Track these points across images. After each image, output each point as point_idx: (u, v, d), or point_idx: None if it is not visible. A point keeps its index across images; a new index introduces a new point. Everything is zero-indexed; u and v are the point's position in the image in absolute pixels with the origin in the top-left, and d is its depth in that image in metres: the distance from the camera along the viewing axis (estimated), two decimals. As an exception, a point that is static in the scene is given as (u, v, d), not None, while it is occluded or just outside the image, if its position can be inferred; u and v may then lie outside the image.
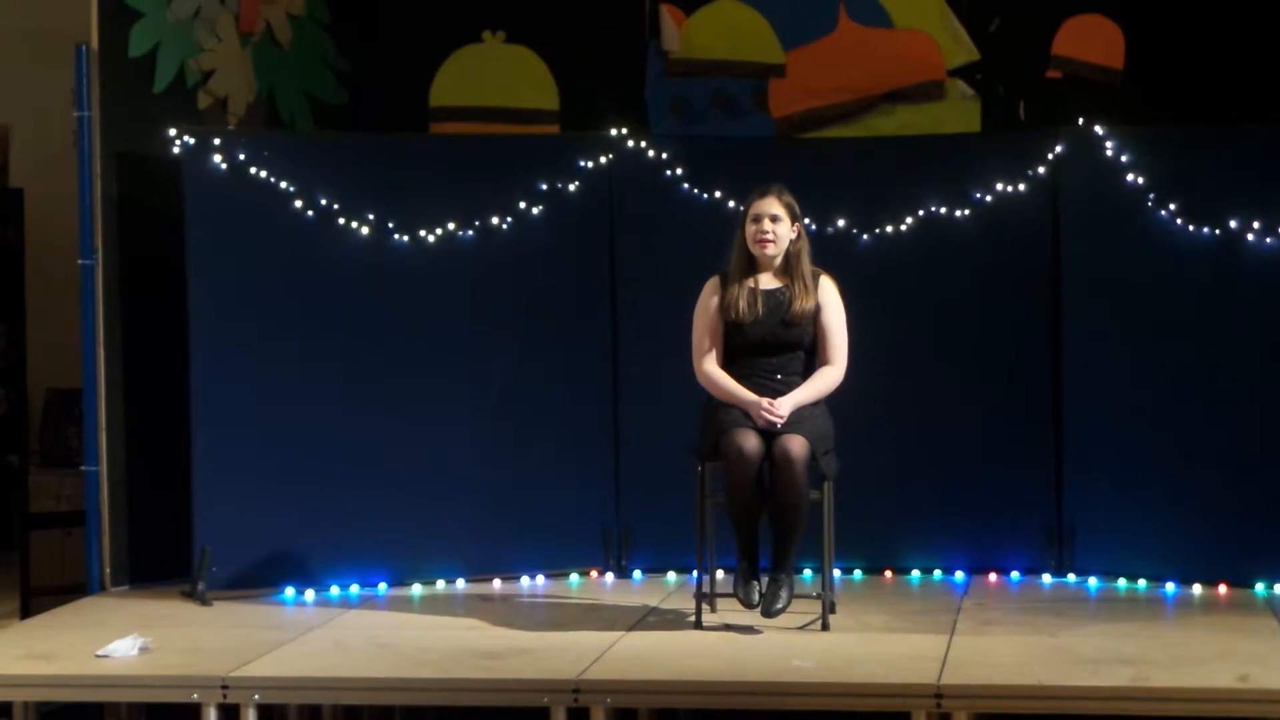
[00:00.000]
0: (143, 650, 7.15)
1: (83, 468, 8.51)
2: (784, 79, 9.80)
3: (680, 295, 7.88)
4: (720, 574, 7.93)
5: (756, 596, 7.53)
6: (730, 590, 7.64)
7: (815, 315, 7.61)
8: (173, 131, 8.35)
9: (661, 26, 9.86)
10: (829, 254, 8.00)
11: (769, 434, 7.43)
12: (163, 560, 8.52)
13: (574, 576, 8.80)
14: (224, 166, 8.35)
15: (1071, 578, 8.61)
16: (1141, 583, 8.42)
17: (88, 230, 8.38)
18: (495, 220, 8.70)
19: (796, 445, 7.36)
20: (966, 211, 8.74)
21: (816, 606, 7.61)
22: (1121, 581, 8.47)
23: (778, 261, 7.66)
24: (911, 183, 8.76)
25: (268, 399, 8.38)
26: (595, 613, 7.98)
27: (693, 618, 7.65)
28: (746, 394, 7.52)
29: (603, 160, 8.84)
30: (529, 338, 8.74)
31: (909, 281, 8.77)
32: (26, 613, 8.87)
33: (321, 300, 8.48)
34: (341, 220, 8.49)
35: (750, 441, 7.38)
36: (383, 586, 8.53)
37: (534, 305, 8.77)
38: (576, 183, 8.81)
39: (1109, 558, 8.54)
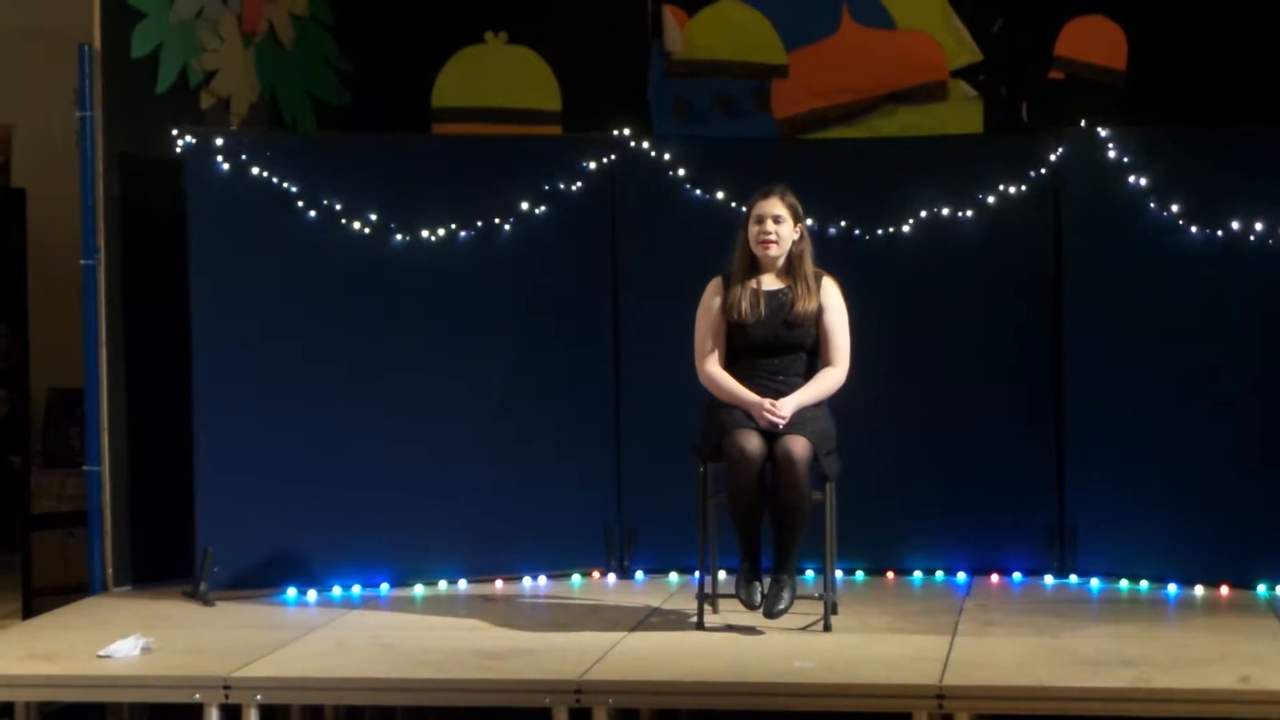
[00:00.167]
0: (145, 650, 7.15)
1: (85, 468, 8.51)
2: (786, 80, 9.81)
3: (682, 296, 7.88)
4: (722, 575, 7.94)
5: (758, 597, 7.54)
6: (732, 591, 7.64)
7: (818, 316, 7.61)
8: (175, 132, 8.35)
9: (664, 27, 9.86)
10: (831, 255, 8.00)
11: (771, 435, 7.43)
12: (165, 560, 8.52)
13: (576, 577, 8.80)
14: (226, 167, 8.35)
15: (1073, 579, 8.61)
16: (1143, 584, 8.43)
17: (90, 230, 8.39)
18: (497, 221, 8.70)
19: (799, 446, 7.37)
20: (969, 212, 8.74)
21: (818, 607, 7.62)
22: (1123, 582, 8.47)
23: (780, 262, 7.66)
24: (913, 183, 8.76)
25: (270, 399, 8.39)
26: (597, 613, 7.98)
27: (695, 618, 7.65)
28: (749, 395, 7.52)
29: (605, 161, 8.85)
30: (531, 338, 8.75)
31: (911, 282, 8.77)
32: (28, 613, 8.86)
33: (323, 300, 8.48)
34: (344, 221, 8.49)
35: (752, 442, 7.38)
36: (385, 587, 8.53)
37: (536, 305, 8.77)
38: (578, 183, 8.81)
39: (1111, 559, 8.54)
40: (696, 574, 7.73)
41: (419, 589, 8.56)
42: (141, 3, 8.56)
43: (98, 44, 8.37)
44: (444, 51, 9.98)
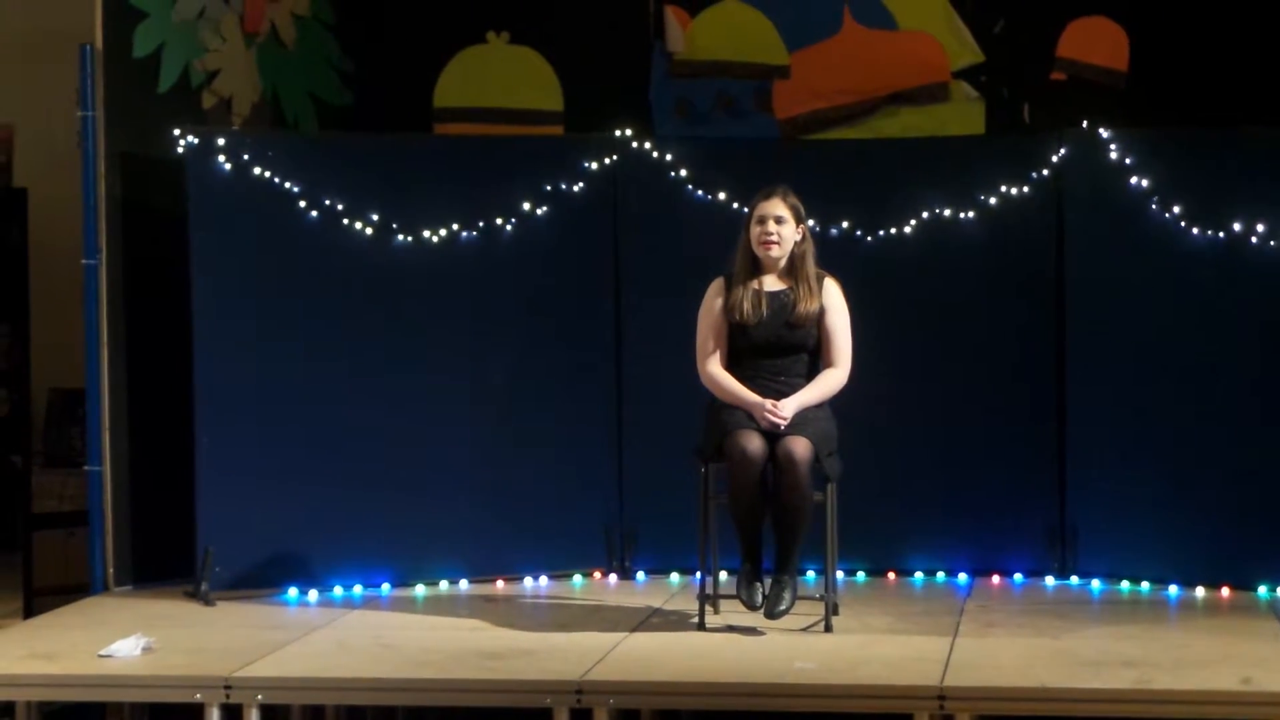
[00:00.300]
0: (146, 650, 7.14)
1: (86, 468, 8.51)
2: (788, 80, 9.81)
3: (684, 296, 7.88)
4: (723, 575, 7.94)
5: (759, 598, 7.53)
6: (733, 592, 7.64)
7: (819, 317, 7.61)
8: (177, 132, 8.35)
9: (666, 28, 9.87)
10: (833, 255, 7.99)
11: (773, 435, 7.43)
12: (166, 560, 8.52)
13: (577, 577, 8.80)
14: (228, 167, 8.35)
15: (1074, 580, 8.60)
16: (1144, 585, 8.42)
17: (91, 230, 8.38)
18: (499, 221, 8.70)
19: (800, 447, 7.36)
20: (970, 213, 8.74)
21: (819, 608, 7.62)
22: (1124, 584, 8.46)
23: (782, 263, 7.66)
24: (915, 184, 8.76)
25: (271, 399, 8.38)
26: (598, 614, 7.98)
27: (696, 619, 7.64)
28: (750, 395, 7.52)
29: (606, 161, 8.84)
30: (532, 338, 8.75)
31: (912, 283, 8.76)
32: (29, 613, 8.86)
33: (325, 300, 8.48)
34: (345, 221, 8.49)
35: (754, 443, 7.38)
36: (386, 587, 8.53)
37: (537, 306, 8.77)
38: (580, 184, 8.81)
39: (1112, 560, 8.54)
40: (698, 574, 7.73)
41: (420, 589, 8.56)
42: (143, 2, 8.56)
43: (99, 44, 8.37)
44: (446, 51, 9.98)
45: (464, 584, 8.64)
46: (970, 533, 8.73)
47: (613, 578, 8.82)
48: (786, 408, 7.46)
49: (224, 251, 8.37)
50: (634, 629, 7.62)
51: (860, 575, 8.77)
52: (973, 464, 8.72)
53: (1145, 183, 8.42)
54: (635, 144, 8.88)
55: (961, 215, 8.74)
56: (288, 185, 8.41)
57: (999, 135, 9.50)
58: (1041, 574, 8.66)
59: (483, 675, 6.88)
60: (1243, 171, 8.28)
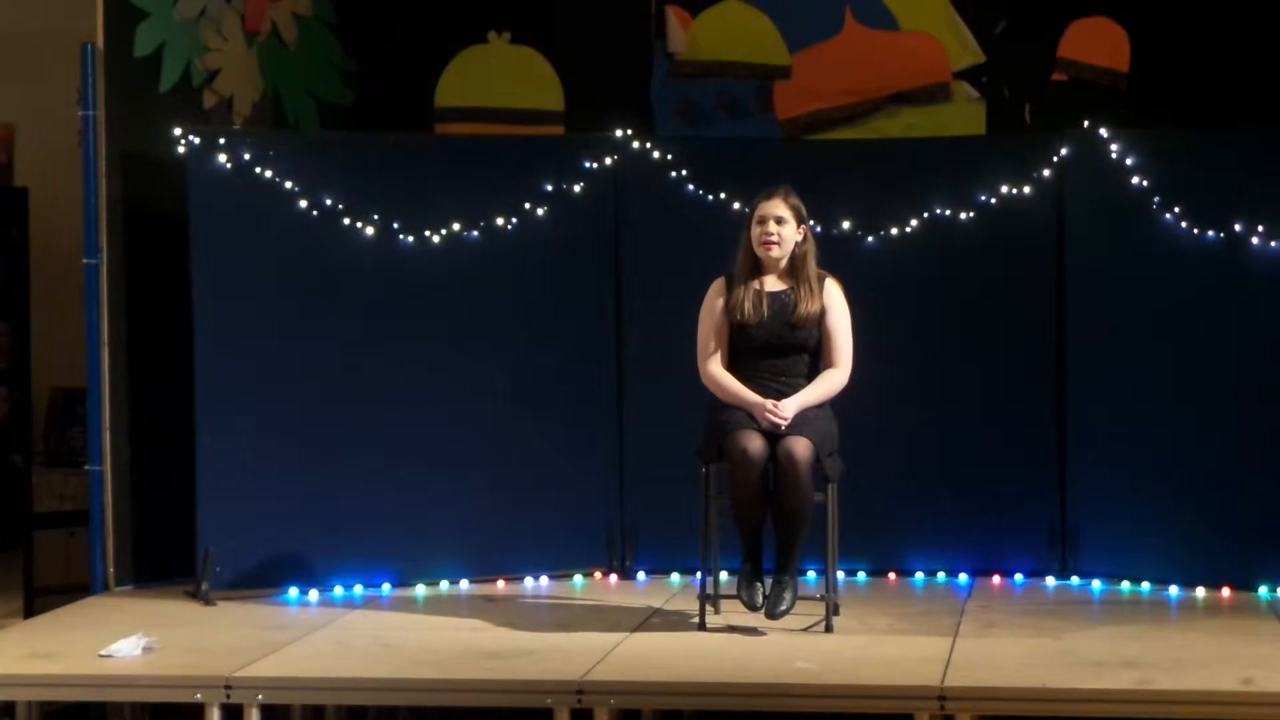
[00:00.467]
0: (146, 650, 7.14)
1: (86, 467, 8.50)
2: (789, 81, 9.81)
3: (685, 297, 7.88)
4: (724, 575, 7.94)
5: (760, 598, 7.53)
6: (734, 592, 7.64)
7: (820, 318, 7.61)
8: (178, 131, 8.35)
9: (667, 28, 9.86)
10: (833, 256, 7.99)
11: (773, 436, 7.43)
12: (166, 560, 8.52)
13: (578, 577, 8.80)
14: (229, 166, 8.35)
15: (1075, 580, 8.61)
16: (1145, 585, 8.42)
17: (92, 230, 8.38)
18: (500, 221, 8.70)
19: (801, 447, 7.36)
20: (971, 214, 8.74)
21: (820, 608, 7.61)
22: (1125, 584, 8.46)
23: (783, 264, 7.66)
24: (916, 185, 8.76)
25: (271, 399, 8.38)
26: (599, 614, 7.98)
27: (696, 619, 7.64)
28: (751, 395, 7.52)
29: (607, 161, 8.85)
30: (533, 338, 8.74)
31: (913, 284, 8.77)
32: (30, 612, 8.86)
33: (326, 300, 8.48)
34: (346, 220, 8.49)
35: (755, 443, 7.38)
36: (386, 587, 8.53)
37: (538, 306, 8.77)
38: (581, 184, 8.81)
39: (1112, 560, 8.54)
40: (698, 575, 7.73)
41: (421, 589, 8.56)
42: (144, 2, 8.56)
43: (100, 43, 8.37)
44: (447, 51, 9.98)
45: (465, 584, 8.64)
46: (971, 533, 8.73)
47: (613, 578, 8.82)
48: (787, 408, 7.46)
49: (225, 251, 8.36)
50: (635, 629, 7.62)
51: (861, 575, 8.77)
52: (974, 464, 8.72)
53: (1146, 183, 8.42)
54: (636, 144, 8.88)
55: (962, 215, 8.74)
56: (288, 185, 8.41)
57: (1000, 136, 9.49)
58: (1042, 574, 8.67)
59: (483, 675, 6.88)
60: (1243, 171, 8.28)
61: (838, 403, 7.67)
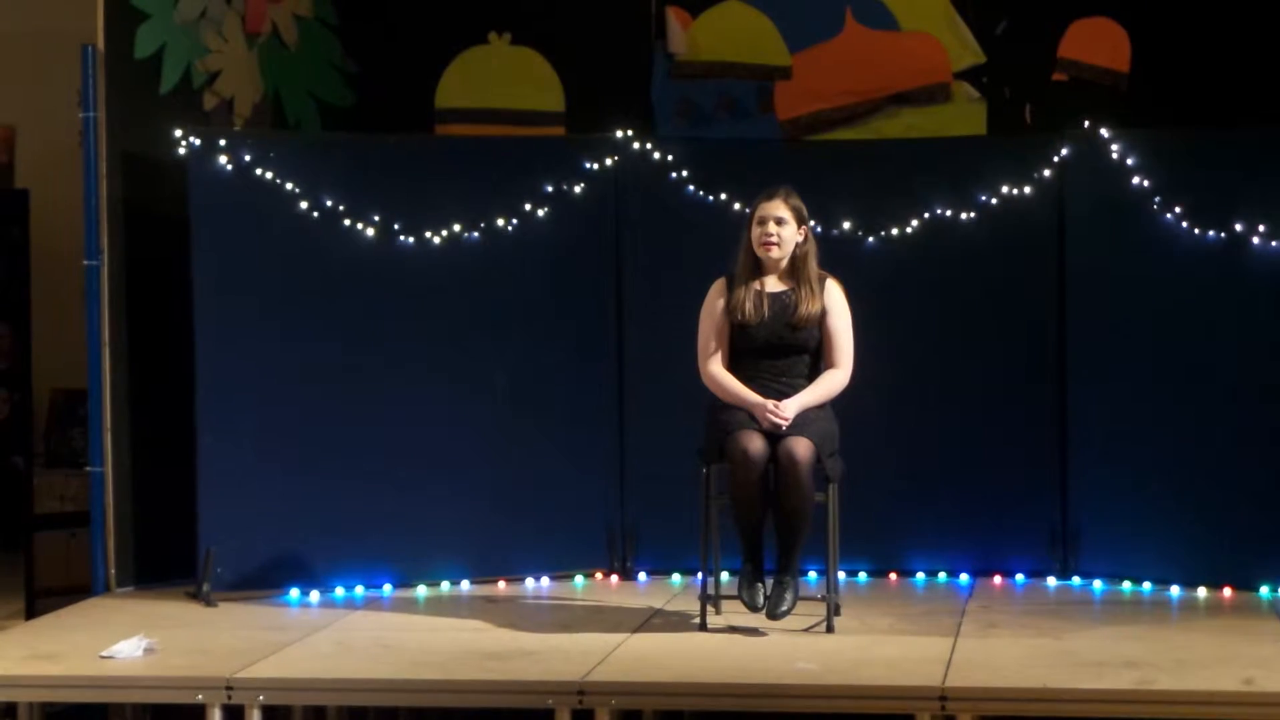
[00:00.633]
0: (147, 651, 7.14)
1: (87, 468, 8.51)
2: (790, 81, 9.81)
3: (685, 297, 7.88)
4: (725, 576, 7.94)
5: (761, 599, 7.53)
6: (735, 592, 7.64)
7: (821, 319, 7.61)
8: (178, 132, 8.35)
9: (667, 29, 9.86)
10: (834, 256, 7.99)
11: (774, 436, 7.43)
12: (167, 561, 8.52)
13: (579, 578, 8.80)
14: (230, 167, 8.35)
15: (1076, 580, 8.61)
16: (1146, 585, 8.42)
17: (93, 231, 8.38)
18: (500, 222, 8.70)
19: (801, 448, 7.36)
20: (972, 214, 8.74)
21: (821, 609, 7.61)
22: (1126, 584, 8.46)
23: (784, 264, 7.66)
24: (917, 185, 8.76)
25: (272, 400, 8.38)
26: (600, 614, 7.98)
27: (697, 620, 7.64)
28: (752, 396, 7.52)
29: (608, 162, 8.85)
30: (533, 339, 8.74)
31: (914, 284, 8.77)
32: (31, 614, 8.86)
33: (327, 301, 8.48)
34: (347, 221, 8.49)
35: (755, 444, 7.38)
36: (387, 588, 8.53)
37: (538, 306, 8.77)
38: (581, 185, 8.81)
39: (1113, 560, 8.54)
40: (699, 575, 7.73)
41: (421, 590, 8.56)
42: (145, 3, 8.56)
43: (101, 45, 8.37)
44: (447, 52, 9.98)
45: (466, 584, 8.64)
46: (972, 533, 8.73)
47: (614, 578, 8.82)
48: (788, 408, 7.46)
49: (225, 252, 8.36)
50: (636, 630, 7.62)
51: (862, 576, 8.77)
52: (974, 464, 8.72)
53: (1146, 183, 8.42)
54: (636, 145, 8.88)
55: (963, 216, 8.74)
56: (289, 186, 8.41)
57: (1000, 136, 9.50)
58: (1043, 574, 8.67)
59: (484, 676, 6.88)
60: (1243, 171, 8.29)
61: (838, 403, 7.67)
